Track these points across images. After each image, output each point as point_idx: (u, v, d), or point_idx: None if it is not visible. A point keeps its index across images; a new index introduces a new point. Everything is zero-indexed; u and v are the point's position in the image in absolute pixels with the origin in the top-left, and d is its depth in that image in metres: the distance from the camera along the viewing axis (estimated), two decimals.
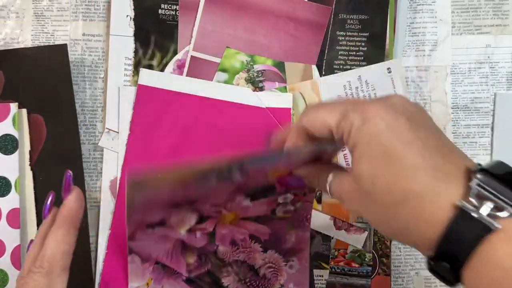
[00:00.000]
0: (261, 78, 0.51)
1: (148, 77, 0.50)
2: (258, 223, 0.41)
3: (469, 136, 0.52)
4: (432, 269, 0.28)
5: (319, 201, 0.50)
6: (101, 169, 0.50)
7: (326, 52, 0.51)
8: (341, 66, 0.51)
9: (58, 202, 0.38)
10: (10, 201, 0.47)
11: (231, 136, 0.50)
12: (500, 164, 0.28)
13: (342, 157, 0.50)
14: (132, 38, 0.50)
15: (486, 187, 0.27)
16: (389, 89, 0.51)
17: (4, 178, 0.47)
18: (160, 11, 0.50)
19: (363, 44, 0.51)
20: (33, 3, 0.51)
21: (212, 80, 0.50)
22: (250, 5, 0.51)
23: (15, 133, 0.47)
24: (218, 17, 0.51)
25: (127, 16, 0.50)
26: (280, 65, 0.51)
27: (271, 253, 0.39)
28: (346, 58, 0.51)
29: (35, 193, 0.48)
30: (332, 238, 0.50)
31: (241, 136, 0.50)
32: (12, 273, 0.47)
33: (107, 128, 0.50)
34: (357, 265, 0.50)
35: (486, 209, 0.26)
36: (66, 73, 0.49)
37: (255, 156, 0.35)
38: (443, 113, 0.52)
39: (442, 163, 0.28)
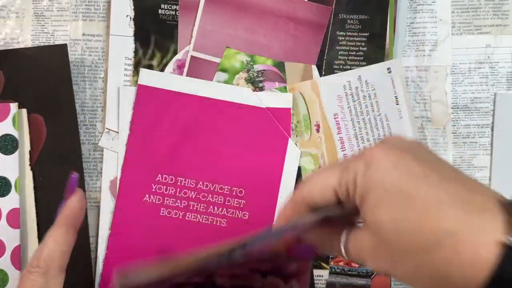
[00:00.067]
0: (261, 78, 0.51)
1: (148, 77, 0.50)
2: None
3: (469, 136, 0.52)
4: None
5: None
6: (101, 169, 0.50)
7: (326, 52, 0.51)
8: (341, 66, 0.51)
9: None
10: (10, 201, 0.47)
11: (231, 136, 0.50)
12: None
13: None
14: (132, 38, 0.50)
15: None
16: (389, 89, 0.51)
17: (4, 178, 0.47)
18: (160, 11, 0.50)
19: (363, 44, 0.51)
20: (33, 3, 0.51)
21: (212, 80, 0.50)
22: (250, 5, 0.51)
23: (15, 133, 0.47)
24: (218, 17, 0.51)
25: (127, 16, 0.50)
26: (280, 65, 0.51)
27: (271, 277, 0.38)
28: (346, 58, 0.51)
29: (35, 193, 0.48)
30: None
31: (241, 136, 0.50)
32: (12, 273, 0.47)
33: (107, 128, 0.50)
34: (357, 265, 0.50)
35: None
36: (66, 73, 0.49)
37: (257, 236, 0.32)
38: (443, 113, 0.52)
39: (468, 195, 0.25)
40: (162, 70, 0.50)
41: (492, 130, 0.52)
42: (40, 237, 0.48)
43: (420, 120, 0.52)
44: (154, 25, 0.50)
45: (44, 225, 0.48)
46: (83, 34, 0.51)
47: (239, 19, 0.51)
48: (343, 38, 0.51)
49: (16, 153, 0.47)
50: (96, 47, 0.51)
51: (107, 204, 0.49)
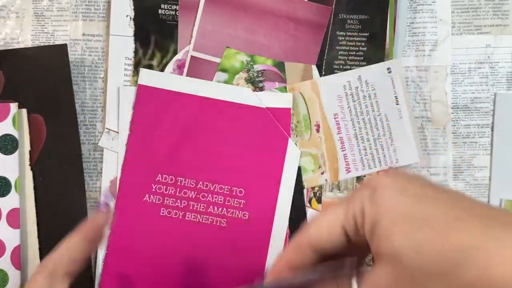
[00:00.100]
0: (261, 78, 0.51)
1: (148, 77, 0.50)
2: None
3: (469, 136, 0.52)
4: None
5: (319, 200, 0.50)
6: (101, 169, 0.50)
7: (326, 52, 0.51)
8: (341, 66, 0.51)
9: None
10: (10, 201, 0.47)
11: (231, 136, 0.50)
12: None
13: None
14: (132, 38, 0.50)
15: None
16: (389, 89, 0.51)
17: (4, 178, 0.47)
18: (160, 11, 0.50)
19: (363, 44, 0.51)
20: (33, 3, 0.51)
21: (212, 80, 0.50)
22: (250, 5, 0.51)
23: (15, 133, 0.47)
24: (218, 17, 0.51)
25: (127, 16, 0.50)
26: (280, 65, 0.51)
27: None
28: (346, 58, 0.51)
29: (35, 193, 0.48)
30: None
31: (241, 136, 0.50)
32: (12, 273, 0.47)
33: (107, 128, 0.50)
34: None
35: None
36: (66, 73, 0.49)
37: None
38: (443, 113, 0.52)
39: (486, 210, 0.25)
40: (162, 70, 0.50)
41: (492, 130, 0.52)
42: (40, 237, 0.48)
43: (420, 120, 0.52)
44: (154, 25, 0.50)
45: (44, 225, 0.48)
46: (83, 34, 0.51)
47: (239, 19, 0.51)
48: (343, 38, 0.51)
49: (16, 153, 0.47)
50: (96, 47, 0.51)
51: None
